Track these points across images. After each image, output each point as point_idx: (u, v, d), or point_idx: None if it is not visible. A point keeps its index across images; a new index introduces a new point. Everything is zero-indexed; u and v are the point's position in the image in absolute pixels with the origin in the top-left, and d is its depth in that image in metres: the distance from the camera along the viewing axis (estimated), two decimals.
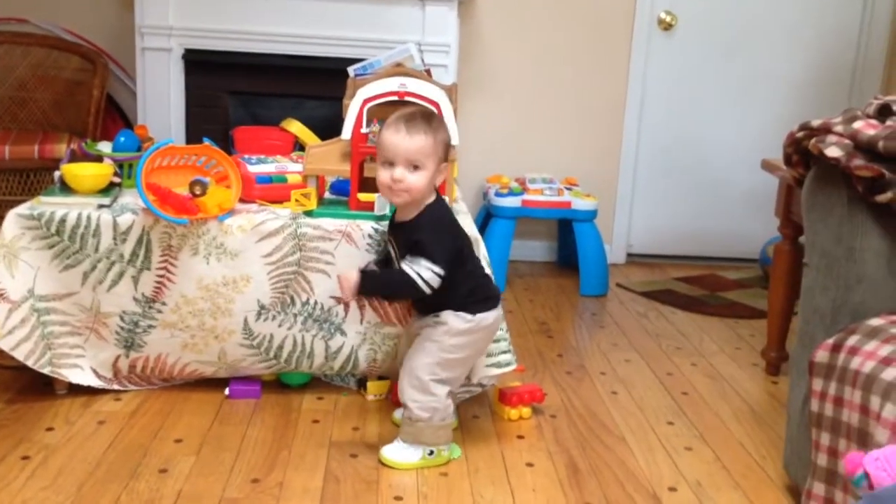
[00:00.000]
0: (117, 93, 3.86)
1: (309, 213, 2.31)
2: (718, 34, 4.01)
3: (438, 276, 2.00)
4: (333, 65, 3.44)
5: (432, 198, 2.06)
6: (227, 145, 3.20)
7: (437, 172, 2.02)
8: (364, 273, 2.06)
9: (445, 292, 2.04)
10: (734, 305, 3.55)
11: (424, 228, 2.02)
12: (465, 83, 3.80)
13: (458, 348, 2.08)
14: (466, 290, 2.08)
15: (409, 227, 2.05)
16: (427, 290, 2.00)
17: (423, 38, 3.54)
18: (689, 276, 3.94)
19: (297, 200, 2.29)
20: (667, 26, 3.98)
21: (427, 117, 2.01)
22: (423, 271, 1.99)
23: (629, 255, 4.20)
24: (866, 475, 1.32)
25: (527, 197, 3.64)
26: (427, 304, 2.11)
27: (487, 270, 2.22)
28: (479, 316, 2.08)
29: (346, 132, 2.26)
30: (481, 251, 2.33)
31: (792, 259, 2.71)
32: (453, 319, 2.07)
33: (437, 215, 2.06)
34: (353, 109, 2.24)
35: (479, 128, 3.91)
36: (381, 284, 2.12)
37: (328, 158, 2.32)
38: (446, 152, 2.05)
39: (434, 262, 1.99)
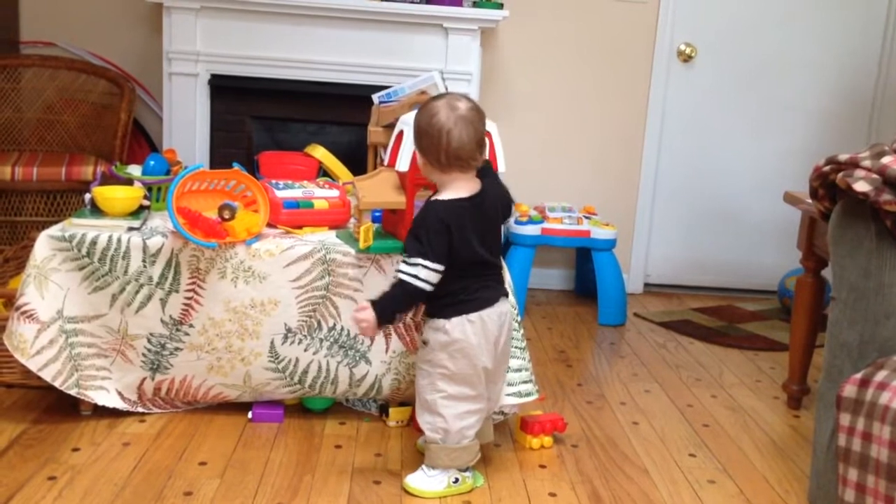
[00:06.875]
0: (142, 116, 3.91)
1: (367, 249, 2.25)
2: (737, 65, 4.04)
3: (432, 270, 1.95)
4: (357, 91, 3.48)
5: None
6: (252, 170, 3.23)
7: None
8: (373, 302, 1.99)
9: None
10: (753, 337, 3.55)
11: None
12: (486, 111, 3.76)
13: (450, 360, 2.02)
14: (443, 291, 1.99)
15: None
16: (426, 287, 1.95)
17: (446, 66, 3.58)
18: (706, 307, 3.94)
19: (364, 240, 2.23)
20: (686, 58, 4.01)
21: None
22: (415, 270, 1.95)
23: (646, 284, 4.20)
24: None
25: (546, 225, 3.66)
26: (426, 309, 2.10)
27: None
28: (456, 321, 2.00)
29: (404, 163, 2.25)
30: (506, 278, 2.34)
31: (814, 292, 2.71)
32: (431, 335, 2.03)
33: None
34: (410, 140, 2.23)
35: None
36: (389, 301, 2.00)
37: (382, 191, 2.27)
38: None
39: (411, 256, 1.96)
